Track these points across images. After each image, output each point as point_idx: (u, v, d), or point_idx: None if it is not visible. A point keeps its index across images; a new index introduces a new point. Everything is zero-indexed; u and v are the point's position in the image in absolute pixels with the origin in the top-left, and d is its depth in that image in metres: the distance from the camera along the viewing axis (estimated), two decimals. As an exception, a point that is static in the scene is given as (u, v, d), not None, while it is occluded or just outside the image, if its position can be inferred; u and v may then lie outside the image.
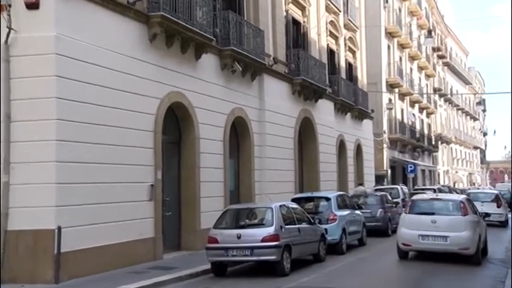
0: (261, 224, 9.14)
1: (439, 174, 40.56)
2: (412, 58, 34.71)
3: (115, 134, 9.02)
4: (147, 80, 9.96)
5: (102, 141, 8.71)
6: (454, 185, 40.71)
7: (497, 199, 17.44)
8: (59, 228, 7.66)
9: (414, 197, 10.80)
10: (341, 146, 20.77)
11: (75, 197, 8.12)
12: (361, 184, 20.25)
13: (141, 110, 9.75)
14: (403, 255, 10.10)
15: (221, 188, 12.36)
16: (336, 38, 20.76)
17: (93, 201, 8.45)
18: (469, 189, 27.83)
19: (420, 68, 36.83)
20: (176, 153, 11.43)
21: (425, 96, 36.54)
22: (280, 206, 9.36)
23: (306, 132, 17.63)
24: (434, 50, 40.11)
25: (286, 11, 16.23)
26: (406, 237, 9.82)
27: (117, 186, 9.02)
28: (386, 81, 29.15)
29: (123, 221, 9.12)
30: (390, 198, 16.52)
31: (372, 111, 24.47)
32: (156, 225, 10.01)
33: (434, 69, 39.76)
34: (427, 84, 38.78)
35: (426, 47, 36.77)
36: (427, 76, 38.88)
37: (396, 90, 30.68)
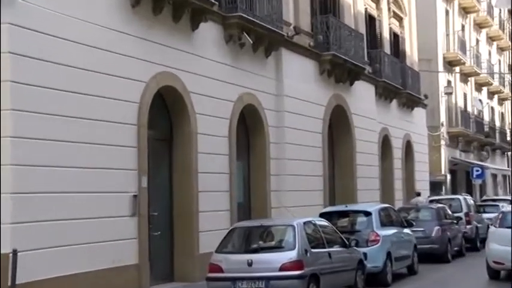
0: (279, 247, 9.16)
1: (515, 180, 40.16)
2: (479, 26, 34.29)
3: (87, 129, 9.08)
4: (128, 58, 9.99)
5: (70, 139, 8.77)
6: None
7: None
8: (15, 252, 7.68)
9: (504, 209, 10.93)
10: (385, 144, 20.74)
11: (35, 212, 8.17)
12: (420, 194, 20.15)
13: (120, 97, 9.80)
14: (494, 274, 10.44)
15: (226, 200, 12.39)
16: (376, 1, 20.64)
17: (59, 216, 8.51)
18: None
19: (490, 39, 36.35)
20: (166, 153, 11.48)
21: (496, 76, 36.10)
22: (304, 223, 9.36)
23: (338, 125, 17.59)
24: (510, 13, 39.21)
25: (311, -34, 16.29)
26: (497, 254, 9.99)
27: (90, 198, 9.08)
28: (444, 58, 28.91)
29: (98, 242, 9.18)
30: (450, 212, 16.39)
31: (426, 97, 24.34)
32: (141, 248, 10.06)
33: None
34: (499, 61, 38.25)
35: (500, 10, 36.16)
36: (500, 50, 38.30)
37: (457, 69, 30.39)
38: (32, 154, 8.18)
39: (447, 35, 29.44)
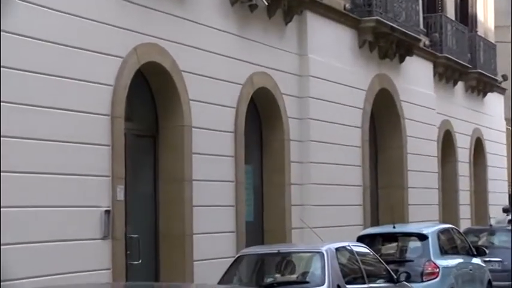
0: (302, 283, 9.20)
1: None
2: None
3: (40, 121, 9.13)
4: (99, 24, 10.06)
5: (13, 132, 8.75)
6: None
7: None
8: None
9: None
10: (447, 142, 20.76)
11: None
12: (508, 211, 20.06)
13: (87, 78, 9.85)
14: None
15: (230, 218, 12.46)
16: None
17: (6, 240, 8.54)
18: None
19: None
20: (150, 154, 11.55)
21: None
22: (337, 249, 9.40)
23: (383, 116, 17.63)
24: None
25: None
26: None
27: (42, 214, 9.12)
28: (531, 24, 28.73)
29: (58, 274, 9.24)
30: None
31: (504, 78, 24.26)
32: (116, 281, 10.12)
33: None
34: None
35: None
36: None
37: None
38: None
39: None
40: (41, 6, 9.22)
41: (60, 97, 9.45)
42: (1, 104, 8.56)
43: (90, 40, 9.92)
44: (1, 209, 8.47)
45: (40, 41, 9.21)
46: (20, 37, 8.92)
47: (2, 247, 8.49)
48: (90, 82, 9.94)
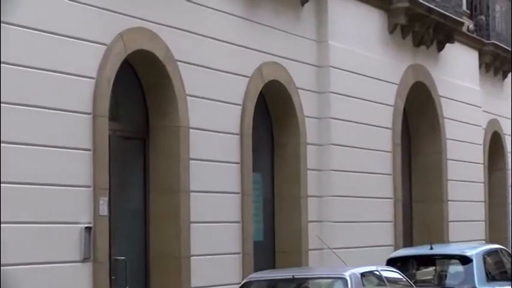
0: (321, 314, 9.22)
1: None
2: None
3: (9, 120, 9.07)
4: (78, 5, 10.05)
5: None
6: None
7: None
8: None
9: None
10: (495, 145, 20.80)
11: None
12: None
13: (65, 69, 9.84)
14: None
15: (236, 237, 12.50)
16: None
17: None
18: None
19: None
20: (140, 160, 11.58)
21: None
22: (362, 274, 9.40)
23: (418, 115, 17.66)
24: None
25: None
26: None
27: (14, 231, 9.06)
28: None
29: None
30: None
31: None
32: (98, 313, 10.16)
33: None
34: None
35: None
36: None
37: None
38: None
39: None
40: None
41: (30, 92, 9.39)
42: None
43: (67, 24, 9.89)
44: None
45: (21, 29, 9.21)
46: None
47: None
48: (68, 74, 9.91)
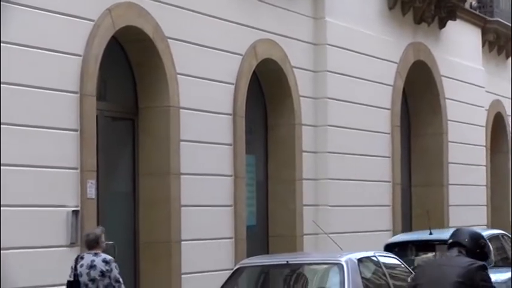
0: (316, 301, 9.27)
1: None
2: None
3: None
4: (65, -20, 10.10)
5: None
6: None
7: None
8: None
9: None
10: (498, 128, 20.80)
11: None
12: None
13: (50, 47, 9.86)
14: None
15: (228, 221, 12.54)
16: None
17: None
18: None
19: None
20: (129, 141, 11.61)
21: None
22: (359, 260, 9.39)
23: (418, 95, 17.67)
24: None
25: None
26: None
27: (2, 215, 9.11)
28: None
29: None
30: None
31: None
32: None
33: None
34: None
35: None
36: None
37: None
38: None
39: None
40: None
41: (14, 69, 9.42)
42: None
43: (54, 1, 9.91)
44: None
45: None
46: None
47: None
48: (53, 51, 9.94)
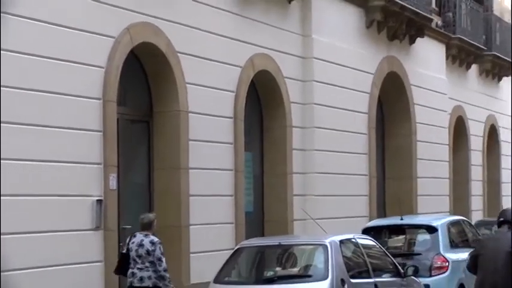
0: (305, 277, 9.26)
1: None
2: None
3: (29, 105, 9.16)
4: (91, 3, 10.10)
5: (4, 118, 8.79)
6: None
7: None
8: None
9: None
10: (459, 129, 20.80)
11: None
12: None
13: (78, 59, 9.89)
14: None
15: (229, 208, 12.55)
16: None
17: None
18: None
19: None
20: (144, 141, 11.61)
21: None
22: (341, 242, 9.44)
23: (391, 101, 17.66)
24: None
25: None
26: None
27: (31, 203, 9.17)
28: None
29: (45, 267, 9.31)
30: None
31: (520, 61, 24.24)
32: (108, 276, 10.19)
33: None
34: None
35: None
36: None
37: None
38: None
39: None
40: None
41: (48, 79, 9.45)
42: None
43: (79, 19, 9.93)
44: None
45: (37, 22, 9.26)
46: (16, 18, 8.96)
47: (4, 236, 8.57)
48: (80, 63, 9.97)
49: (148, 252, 9.14)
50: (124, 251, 9.38)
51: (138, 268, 9.13)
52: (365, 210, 15.84)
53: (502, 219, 7.15)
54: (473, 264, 7.19)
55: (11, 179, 8.88)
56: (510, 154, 23.86)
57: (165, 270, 9.14)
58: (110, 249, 10.31)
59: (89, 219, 10.01)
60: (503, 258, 6.86)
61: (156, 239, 9.26)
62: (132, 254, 9.22)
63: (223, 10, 12.50)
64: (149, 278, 9.11)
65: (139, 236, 9.27)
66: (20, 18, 9.07)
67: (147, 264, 9.11)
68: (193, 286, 11.07)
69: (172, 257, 11.29)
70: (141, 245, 9.19)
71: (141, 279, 9.11)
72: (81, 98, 9.97)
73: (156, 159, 11.60)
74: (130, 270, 9.21)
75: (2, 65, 8.71)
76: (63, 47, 9.69)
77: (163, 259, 9.17)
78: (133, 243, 9.26)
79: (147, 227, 9.35)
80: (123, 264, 9.33)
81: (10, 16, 8.93)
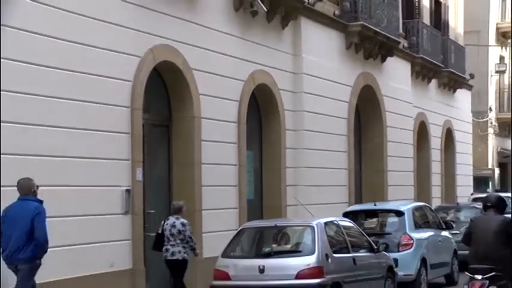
0: (295, 252, 9.37)
1: None
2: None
3: (69, 111, 9.22)
4: (120, 28, 10.13)
5: (48, 122, 8.88)
6: None
7: None
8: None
9: None
10: (421, 132, 20.79)
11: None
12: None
13: (110, 75, 9.94)
14: None
15: (234, 196, 12.56)
16: (414, -39, 20.68)
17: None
18: None
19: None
20: (164, 141, 11.63)
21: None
22: (325, 223, 9.51)
23: (366, 109, 17.67)
24: None
25: None
26: None
27: (76, 192, 9.26)
28: (497, 29, 28.33)
29: (83, 244, 9.37)
30: (498, 213, 16.42)
31: (471, 76, 24.29)
32: (135, 251, 10.26)
33: None
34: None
35: None
36: None
37: None
38: (13, 141, 8.30)
39: (502, 0, 28.93)
40: (77, 14, 9.32)
41: (87, 91, 9.52)
42: (45, 98, 8.71)
43: (114, 42, 9.99)
44: (50, 187, 8.60)
45: (77, 44, 9.34)
46: (60, 41, 9.03)
47: (52, 219, 8.49)
48: (113, 78, 10.01)
49: (179, 232, 9.41)
50: (159, 232, 9.60)
51: (171, 245, 9.49)
52: (345, 197, 15.82)
53: (488, 204, 7.53)
54: (467, 239, 7.63)
55: (60, 173, 8.99)
56: (463, 152, 23.95)
57: (195, 244, 9.67)
58: (136, 230, 10.35)
59: (120, 205, 10.05)
60: (492, 236, 7.24)
61: (186, 221, 9.58)
62: (166, 233, 9.50)
63: (229, 34, 12.50)
64: (179, 252, 9.51)
65: (171, 219, 9.59)
66: (68, 43, 9.16)
67: (178, 241, 9.47)
68: (206, 259, 11.07)
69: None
70: (173, 226, 9.51)
71: (173, 253, 9.49)
72: (113, 107, 10.00)
73: (174, 156, 11.61)
74: (164, 247, 9.58)
75: (58, 82, 8.87)
76: (100, 65, 9.74)
77: (193, 237, 9.69)
78: (167, 224, 9.57)
79: (177, 211, 9.68)
80: (158, 242, 9.68)
81: (59, 41, 9.00)
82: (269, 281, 8.80)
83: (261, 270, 8.84)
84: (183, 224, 9.53)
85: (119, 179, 10.06)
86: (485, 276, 7.17)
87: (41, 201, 7.41)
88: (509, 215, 7.92)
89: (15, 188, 7.59)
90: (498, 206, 7.55)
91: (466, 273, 7.43)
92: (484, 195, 20.68)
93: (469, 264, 7.54)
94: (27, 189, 7.36)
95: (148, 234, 10.68)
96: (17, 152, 8.39)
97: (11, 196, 7.68)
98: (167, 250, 9.57)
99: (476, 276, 7.24)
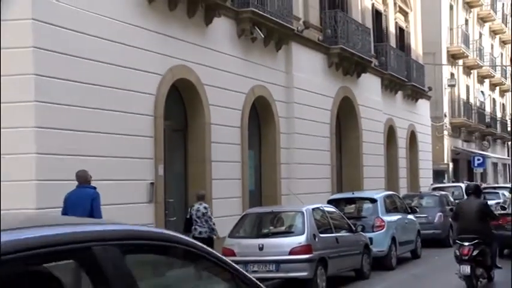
0: (289, 232, 9.24)
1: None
2: (482, 20, 33.86)
3: (105, 119, 9.15)
4: (145, 51, 10.04)
5: (89, 128, 8.85)
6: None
7: None
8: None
9: None
10: (390, 134, 20.70)
11: (60, 198, 8.14)
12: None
13: (138, 89, 9.86)
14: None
15: (238, 187, 12.47)
16: (383, -4, 20.54)
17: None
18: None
19: (493, 33, 35.83)
20: (181, 143, 11.56)
21: (498, 69, 35.67)
22: (313, 209, 9.42)
23: (345, 116, 17.59)
24: None
25: (320, -38, 16.15)
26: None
27: (108, 185, 9.10)
28: (448, 51, 28.59)
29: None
30: (452, 199, 16.29)
31: (430, 89, 24.23)
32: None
33: (512, 33, 38.52)
34: (501, 54, 37.74)
35: (503, 4, 35.61)
36: (503, 43, 37.73)
37: (460, 62, 30.08)
38: (55, 144, 8.24)
39: (451, 29, 29.13)
40: (110, 40, 9.19)
41: (120, 103, 9.42)
42: (85, 109, 8.61)
43: (141, 63, 9.91)
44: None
45: (110, 65, 9.26)
46: (96, 62, 8.93)
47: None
48: (140, 92, 9.91)
49: (203, 214, 9.47)
50: (188, 216, 9.60)
51: (198, 225, 9.54)
52: (329, 188, 15.72)
53: (469, 191, 8.11)
54: (455, 217, 8.24)
55: (96, 170, 8.74)
56: (424, 150, 23.80)
57: (214, 224, 9.61)
58: (159, 216, 10.22)
59: (145, 196, 9.95)
60: (473, 214, 7.89)
61: (207, 205, 9.74)
62: (194, 216, 9.60)
63: (233, 56, 12.41)
64: (205, 232, 9.56)
65: (196, 205, 9.68)
66: (105, 64, 9.06)
67: (203, 222, 9.54)
68: (215, 240, 10.92)
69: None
70: (198, 210, 9.59)
71: (200, 232, 9.51)
72: (140, 115, 9.91)
73: (190, 155, 11.53)
74: (193, 227, 9.62)
75: (96, 95, 8.83)
76: (129, 81, 9.64)
77: (212, 218, 9.70)
78: (193, 210, 9.65)
79: (201, 198, 9.78)
80: (187, 225, 9.75)
81: (93, 62, 8.86)
82: (267, 257, 8.72)
83: (261, 248, 8.76)
84: (205, 208, 9.66)
85: (145, 174, 9.97)
86: (471, 243, 7.82)
87: (95, 188, 7.47)
88: (483, 199, 8.79)
89: (68, 182, 7.51)
90: (476, 192, 8.16)
91: (457, 241, 8.03)
92: (441, 185, 20.79)
93: (457, 235, 8.23)
94: (84, 178, 7.42)
95: (168, 219, 10.57)
96: (67, 153, 8.43)
97: (69, 188, 7.58)
98: (195, 229, 9.60)
99: (464, 243, 7.87)
